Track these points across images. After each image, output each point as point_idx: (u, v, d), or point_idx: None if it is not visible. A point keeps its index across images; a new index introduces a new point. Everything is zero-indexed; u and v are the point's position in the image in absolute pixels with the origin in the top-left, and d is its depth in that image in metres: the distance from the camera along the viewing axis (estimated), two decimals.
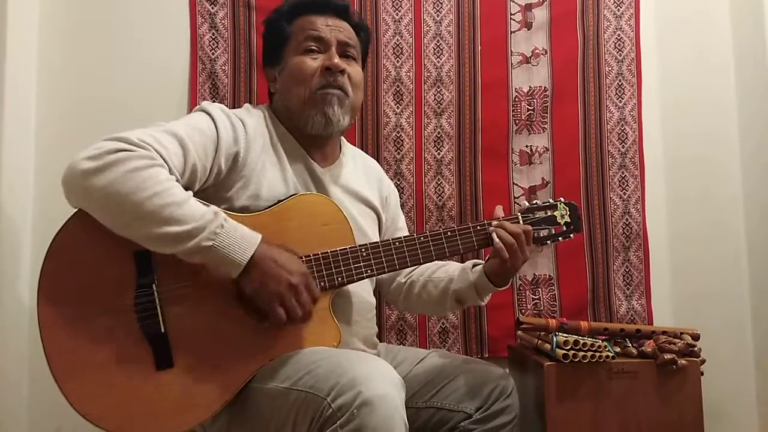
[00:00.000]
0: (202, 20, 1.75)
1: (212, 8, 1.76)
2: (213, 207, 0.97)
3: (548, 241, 1.23)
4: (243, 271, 0.96)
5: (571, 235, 1.25)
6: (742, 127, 1.83)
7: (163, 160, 0.96)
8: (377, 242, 1.12)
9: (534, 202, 1.25)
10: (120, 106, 1.71)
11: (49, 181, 1.62)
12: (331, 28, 1.19)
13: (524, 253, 1.15)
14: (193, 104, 1.71)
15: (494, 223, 1.17)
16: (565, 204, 1.25)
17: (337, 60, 1.17)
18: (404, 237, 1.13)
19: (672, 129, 1.84)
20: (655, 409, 1.37)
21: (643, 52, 1.83)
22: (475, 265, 1.24)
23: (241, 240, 0.95)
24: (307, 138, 1.19)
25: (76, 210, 0.98)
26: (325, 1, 1.21)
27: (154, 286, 0.98)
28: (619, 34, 1.83)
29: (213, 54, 1.75)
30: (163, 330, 0.98)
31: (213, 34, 1.75)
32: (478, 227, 1.17)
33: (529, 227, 1.17)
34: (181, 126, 1.04)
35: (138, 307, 0.97)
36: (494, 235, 1.14)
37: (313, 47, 1.18)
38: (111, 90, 1.72)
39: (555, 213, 1.23)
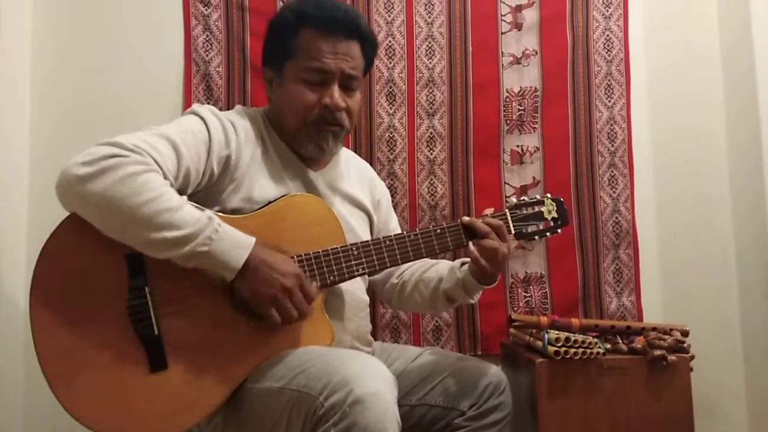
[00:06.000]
0: (196, 22, 1.76)
1: (206, 10, 1.76)
2: (207, 212, 0.98)
3: (536, 237, 1.26)
4: (238, 274, 0.96)
5: (559, 230, 1.27)
6: (730, 124, 1.85)
7: (157, 164, 0.96)
8: (368, 241, 1.13)
9: (522, 198, 1.26)
10: (114, 108, 1.72)
11: (43, 183, 1.62)
12: (338, 58, 1.13)
13: (503, 255, 1.15)
14: (187, 106, 1.72)
15: (465, 219, 1.17)
16: (551, 199, 1.27)
17: (336, 98, 1.13)
18: (395, 235, 1.14)
19: (660, 128, 1.86)
20: (646, 404, 1.39)
21: (632, 52, 1.85)
22: (462, 264, 1.25)
23: (236, 244, 0.96)
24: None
25: (69, 213, 0.98)
26: (335, 19, 1.14)
27: (146, 288, 0.98)
28: (608, 35, 1.85)
29: (207, 56, 1.76)
30: (156, 332, 0.98)
31: (207, 36, 1.76)
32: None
33: (499, 222, 1.17)
34: (174, 130, 1.03)
35: (131, 310, 0.97)
36: (470, 246, 1.16)
37: (314, 80, 1.14)
38: (105, 92, 1.73)
39: (542, 209, 1.26)
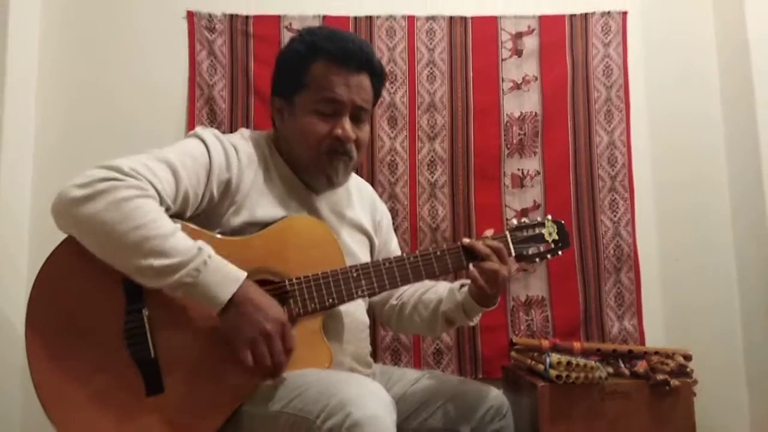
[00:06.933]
0: (201, 47, 1.80)
1: (211, 36, 1.80)
2: (199, 242, 0.96)
3: (537, 259, 1.24)
4: (223, 309, 0.95)
5: (560, 252, 1.26)
6: (730, 150, 1.86)
7: (154, 189, 0.96)
8: (367, 263, 1.12)
9: (522, 220, 1.26)
10: (118, 130, 1.74)
11: (46, 205, 1.62)
12: (350, 89, 1.14)
13: (504, 278, 1.15)
14: (190, 129, 1.73)
15: (465, 241, 1.17)
16: (553, 221, 1.26)
17: (348, 129, 1.13)
18: (394, 257, 1.14)
19: (660, 152, 1.87)
20: (648, 429, 1.38)
21: (631, 77, 1.87)
22: (462, 286, 1.24)
23: (223, 279, 0.94)
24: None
25: (65, 237, 0.98)
26: (348, 52, 1.14)
27: (143, 311, 0.97)
28: (607, 61, 1.87)
29: (211, 80, 1.79)
30: (153, 355, 0.97)
31: (211, 60, 1.79)
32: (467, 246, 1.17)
33: (499, 244, 1.16)
34: (173, 153, 1.03)
35: (127, 333, 0.96)
36: (471, 268, 1.15)
37: (326, 111, 1.14)
38: (109, 114, 1.75)
39: (543, 231, 1.24)
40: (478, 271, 1.14)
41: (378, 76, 1.21)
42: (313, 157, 1.14)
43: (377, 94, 1.24)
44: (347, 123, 1.14)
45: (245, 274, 0.97)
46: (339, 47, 1.14)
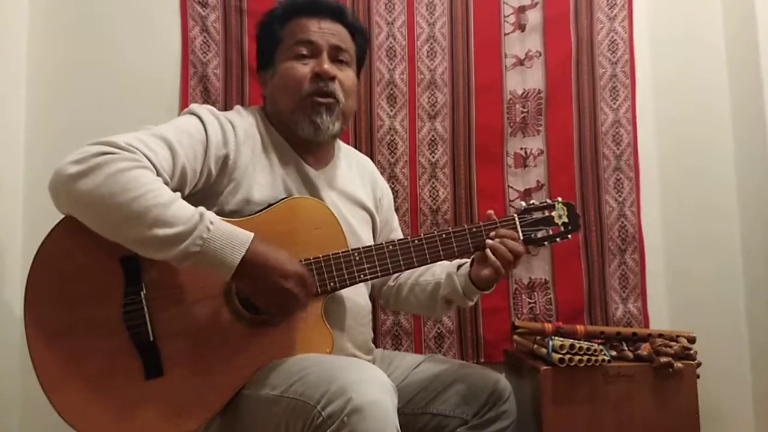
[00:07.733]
0: (194, 23, 1.74)
1: (204, 11, 1.75)
2: (200, 208, 0.94)
3: (546, 242, 1.21)
4: (235, 273, 0.93)
5: (569, 236, 1.22)
6: (737, 127, 1.83)
7: (151, 163, 0.95)
8: (371, 246, 1.10)
9: (531, 202, 1.22)
10: (111, 109, 1.70)
11: (39, 184, 1.59)
12: (323, 31, 1.16)
13: (516, 265, 1.15)
14: (184, 108, 1.68)
15: (491, 234, 1.14)
16: (562, 204, 1.22)
17: (327, 66, 1.14)
18: (398, 240, 1.11)
19: (667, 131, 1.84)
20: (652, 412, 1.37)
21: (637, 54, 1.82)
22: (459, 266, 1.22)
23: (230, 243, 0.93)
24: (299, 141, 1.18)
25: (62, 218, 0.97)
26: (318, 2, 1.18)
27: (142, 293, 0.97)
28: (612, 36, 1.83)
29: (204, 57, 1.74)
30: (152, 338, 0.96)
31: (204, 37, 1.74)
32: (474, 229, 1.15)
33: (514, 234, 1.15)
34: (170, 129, 1.02)
35: (126, 315, 0.96)
36: (489, 251, 1.12)
37: (303, 52, 1.15)
38: (102, 93, 1.71)
39: (552, 213, 1.20)
40: (492, 255, 1.12)
41: (357, 31, 1.23)
42: (296, 103, 1.14)
43: (360, 50, 1.24)
44: (326, 61, 1.15)
45: (252, 235, 0.95)
46: (311, 1, 1.18)
